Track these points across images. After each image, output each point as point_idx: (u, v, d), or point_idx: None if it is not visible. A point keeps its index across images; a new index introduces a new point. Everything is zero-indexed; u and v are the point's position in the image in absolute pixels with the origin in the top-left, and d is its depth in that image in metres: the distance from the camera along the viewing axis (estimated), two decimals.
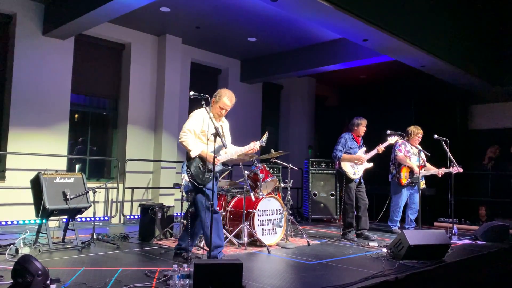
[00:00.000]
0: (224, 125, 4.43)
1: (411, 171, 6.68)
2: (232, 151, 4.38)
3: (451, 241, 5.67)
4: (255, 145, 4.36)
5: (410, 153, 6.80)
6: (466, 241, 6.23)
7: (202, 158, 4.14)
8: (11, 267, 3.15)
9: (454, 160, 6.36)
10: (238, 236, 5.41)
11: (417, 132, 6.79)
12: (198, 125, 4.20)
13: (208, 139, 4.02)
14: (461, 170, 6.44)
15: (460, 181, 7.17)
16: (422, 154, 6.65)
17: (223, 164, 4.26)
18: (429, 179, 7.07)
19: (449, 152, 6.29)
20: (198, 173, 4.12)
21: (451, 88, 9.44)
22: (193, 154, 4.12)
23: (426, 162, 6.69)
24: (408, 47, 6.63)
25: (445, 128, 8.21)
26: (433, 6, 7.21)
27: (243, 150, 4.36)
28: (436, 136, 6.25)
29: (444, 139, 6.25)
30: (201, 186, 4.10)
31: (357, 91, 11.73)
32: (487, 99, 9.76)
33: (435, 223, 7.99)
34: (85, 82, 7.72)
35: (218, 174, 4.30)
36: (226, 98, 4.27)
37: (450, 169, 6.49)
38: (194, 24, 7.72)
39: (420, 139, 6.80)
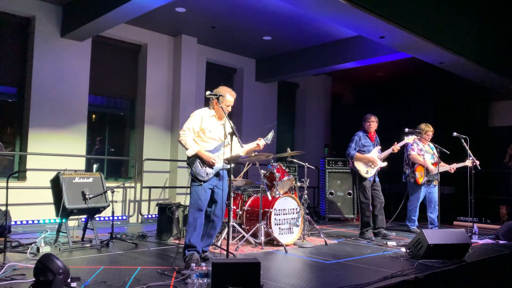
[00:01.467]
0: (226, 124, 4.40)
1: (426, 169, 6.60)
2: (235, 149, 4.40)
3: (472, 240, 5.57)
4: (259, 142, 4.45)
5: (423, 151, 6.73)
6: (487, 241, 6.12)
7: (199, 156, 4.17)
8: (33, 266, 3.20)
9: (474, 158, 6.25)
10: (255, 235, 5.40)
11: (427, 129, 6.71)
12: (197, 123, 4.24)
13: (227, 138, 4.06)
14: (477, 162, 6.31)
15: (480, 179, 7.06)
16: (435, 151, 6.58)
17: (224, 162, 4.28)
18: (448, 177, 6.97)
19: (469, 150, 6.18)
20: (198, 170, 4.16)
21: (470, 85, 9.27)
22: (188, 152, 4.17)
23: (439, 159, 6.62)
24: (426, 43, 6.53)
25: (465, 125, 8.09)
26: (452, 1, 7.08)
27: (246, 148, 4.42)
28: (455, 133, 6.16)
29: (464, 136, 6.15)
30: (201, 183, 4.15)
31: (374, 89, 11.61)
32: (507, 96, 9.56)
33: (455, 222, 7.87)
34: (103, 83, 7.82)
35: (220, 171, 4.30)
36: (229, 95, 4.32)
37: (462, 164, 6.41)
38: (209, 24, 7.75)
39: (431, 137, 6.72)
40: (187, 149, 4.17)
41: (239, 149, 4.45)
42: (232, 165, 4.20)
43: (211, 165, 4.18)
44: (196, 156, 4.17)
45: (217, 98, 4.15)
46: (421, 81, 10.37)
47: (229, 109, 4.37)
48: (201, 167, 4.17)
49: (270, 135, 4.50)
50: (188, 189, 8.03)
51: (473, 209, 6.17)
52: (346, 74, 10.45)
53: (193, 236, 4.11)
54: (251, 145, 4.56)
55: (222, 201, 4.27)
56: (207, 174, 4.17)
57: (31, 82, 6.75)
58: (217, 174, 4.28)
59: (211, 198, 4.29)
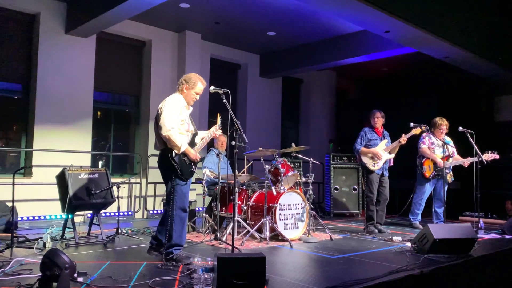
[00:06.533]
0: (190, 111, 4.36)
1: (435, 163, 6.56)
2: (203, 136, 4.41)
3: (478, 235, 5.55)
4: (216, 128, 4.40)
5: (435, 145, 6.68)
6: (493, 235, 6.09)
7: (185, 153, 4.05)
8: (40, 261, 3.22)
9: (480, 153, 6.20)
10: (260, 230, 5.41)
11: (440, 123, 6.64)
12: (178, 116, 4.05)
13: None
14: (497, 156, 6.25)
15: (486, 174, 7.00)
16: (450, 145, 6.54)
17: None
18: (454, 172, 6.93)
19: (474, 145, 6.14)
20: (185, 168, 4.03)
21: (476, 79, 9.21)
22: (181, 150, 3.98)
23: (454, 154, 6.56)
24: (431, 37, 6.49)
25: (470, 120, 8.02)
26: None
27: (209, 135, 4.42)
28: (461, 128, 6.11)
29: (470, 131, 6.11)
30: (185, 182, 4.06)
31: (379, 84, 11.56)
32: None
33: (460, 217, 7.84)
34: (107, 80, 7.84)
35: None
36: (200, 83, 4.20)
37: (478, 158, 6.32)
38: (214, 20, 7.73)
39: (444, 131, 6.66)
40: (179, 146, 3.94)
41: (197, 137, 4.32)
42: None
43: (195, 162, 4.12)
44: (182, 153, 4.02)
45: (224, 93, 4.05)
46: (426, 75, 10.31)
47: (198, 97, 4.24)
48: (187, 164, 4.06)
49: (219, 121, 4.46)
50: (193, 184, 8.08)
51: (479, 204, 6.14)
52: (350, 69, 10.40)
53: (182, 235, 4.08)
54: (210, 132, 4.43)
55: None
56: (191, 172, 4.10)
57: (36, 79, 6.78)
58: None
59: None
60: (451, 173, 6.67)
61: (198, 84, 4.18)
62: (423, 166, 6.64)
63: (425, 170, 6.63)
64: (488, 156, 6.25)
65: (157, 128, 4.01)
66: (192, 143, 4.18)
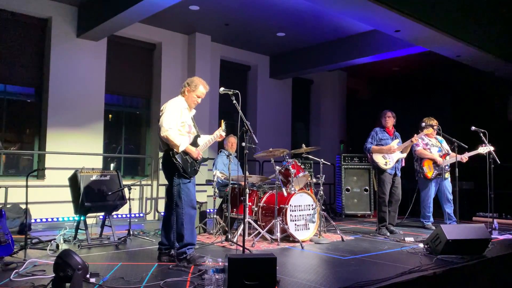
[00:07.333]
0: (192, 114, 4.40)
1: (435, 162, 6.53)
2: (207, 139, 4.45)
3: (492, 236, 5.48)
4: (220, 132, 4.43)
5: (429, 145, 6.68)
6: (508, 236, 6.01)
7: (187, 152, 4.11)
8: (53, 262, 3.26)
9: (493, 152, 6.13)
10: (270, 231, 5.40)
11: (430, 123, 6.61)
12: (178, 118, 4.12)
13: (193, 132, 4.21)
14: (492, 148, 6.17)
15: (500, 174, 6.92)
16: (444, 143, 6.55)
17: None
18: (467, 172, 6.85)
19: (488, 144, 6.07)
20: (187, 166, 4.09)
21: (489, 78, 9.09)
22: (181, 149, 4.04)
23: (449, 151, 6.53)
24: (442, 36, 6.43)
25: (483, 119, 7.92)
26: None
27: (213, 138, 4.45)
28: (474, 127, 6.05)
29: (483, 130, 6.04)
30: (189, 180, 4.11)
31: (390, 84, 11.48)
32: None
33: (474, 218, 7.74)
34: (118, 82, 7.90)
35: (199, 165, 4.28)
36: (202, 86, 4.25)
37: (475, 152, 6.27)
38: (223, 21, 7.75)
39: (436, 130, 6.61)
40: (177, 145, 4.01)
41: (200, 140, 4.39)
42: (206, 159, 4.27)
43: (197, 160, 4.17)
44: (183, 152, 4.08)
45: (234, 94, 4.03)
46: (438, 74, 10.21)
47: (199, 101, 4.31)
48: (189, 162, 4.11)
49: (223, 125, 4.50)
50: (204, 186, 8.06)
51: (492, 204, 6.06)
52: (361, 69, 10.35)
53: (193, 233, 4.13)
54: (215, 136, 4.46)
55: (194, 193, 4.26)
56: (194, 170, 4.16)
57: (49, 82, 6.86)
58: None
59: None
60: (456, 172, 6.61)
61: (199, 88, 4.24)
62: (423, 168, 6.61)
63: (426, 171, 6.59)
64: (484, 150, 6.19)
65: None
66: (194, 144, 4.22)
